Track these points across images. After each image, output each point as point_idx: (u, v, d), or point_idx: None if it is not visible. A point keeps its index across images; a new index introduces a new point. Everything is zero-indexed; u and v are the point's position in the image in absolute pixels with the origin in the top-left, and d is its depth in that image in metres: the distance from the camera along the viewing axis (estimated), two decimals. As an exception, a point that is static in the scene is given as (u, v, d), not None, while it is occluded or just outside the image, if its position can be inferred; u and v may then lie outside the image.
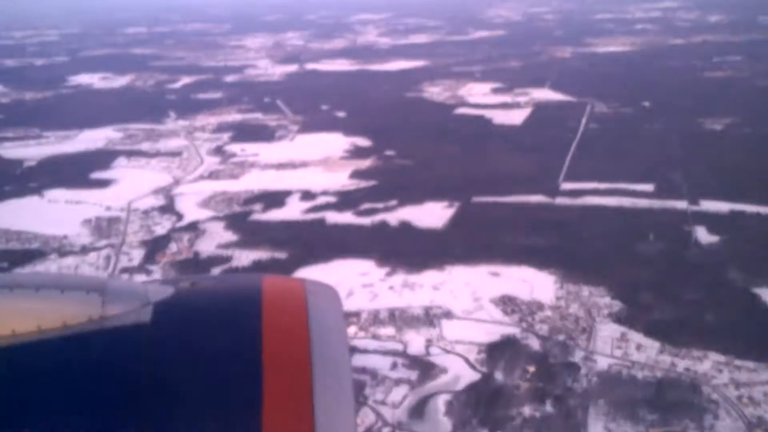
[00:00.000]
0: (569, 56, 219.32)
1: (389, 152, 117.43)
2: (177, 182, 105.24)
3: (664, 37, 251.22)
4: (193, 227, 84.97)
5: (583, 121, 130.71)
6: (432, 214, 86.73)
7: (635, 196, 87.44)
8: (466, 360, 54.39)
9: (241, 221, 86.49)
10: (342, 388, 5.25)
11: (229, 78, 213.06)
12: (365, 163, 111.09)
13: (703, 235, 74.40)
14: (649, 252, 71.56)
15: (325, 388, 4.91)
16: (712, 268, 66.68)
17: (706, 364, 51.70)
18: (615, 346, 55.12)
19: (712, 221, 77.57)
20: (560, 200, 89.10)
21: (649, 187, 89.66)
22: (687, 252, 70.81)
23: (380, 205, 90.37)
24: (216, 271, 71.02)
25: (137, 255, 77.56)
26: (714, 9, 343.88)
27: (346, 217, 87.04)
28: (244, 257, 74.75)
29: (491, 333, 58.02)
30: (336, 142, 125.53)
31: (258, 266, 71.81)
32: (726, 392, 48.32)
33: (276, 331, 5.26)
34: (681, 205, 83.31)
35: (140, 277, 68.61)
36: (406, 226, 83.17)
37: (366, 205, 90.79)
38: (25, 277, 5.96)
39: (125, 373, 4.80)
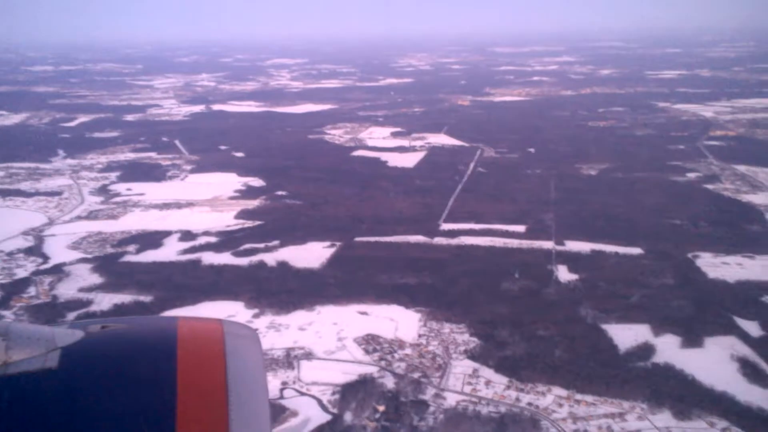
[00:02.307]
0: (468, 104, 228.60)
1: (280, 192, 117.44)
2: (51, 222, 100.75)
3: (557, 88, 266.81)
4: (58, 269, 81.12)
5: (472, 165, 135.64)
6: (312, 254, 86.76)
7: (508, 236, 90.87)
8: (319, 401, 53.91)
9: (110, 263, 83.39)
10: (260, 429, 5.12)
11: (130, 117, 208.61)
12: (254, 203, 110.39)
13: (563, 273, 77.92)
14: (512, 290, 74.14)
15: (242, 429, 4.76)
16: (567, 305, 69.72)
17: (548, 399, 53.49)
18: (466, 382, 56.21)
19: (573, 260, 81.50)
20: (438, 240, 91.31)
21: (521, 228, 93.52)
22: (546, 290, 73.78)
23: (261, 246, 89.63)
24: (71, 316, 67.67)
25: (-9, 299, 73.00)
26: (607, 63, 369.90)
27: (224, 258, 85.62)
28: (107, 301, 71.74)
29: (349, 373, 57.92)
30: (228, 182, 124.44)
31: (119, 310, 68.99)
32: (564, 426, 50.00)
33: (191, 375, 5.06)
34: (548, 245, 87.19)
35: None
36: (283, 267, 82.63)
37: (247, 246, 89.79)
38: None
39: (30, 422, 4.50)
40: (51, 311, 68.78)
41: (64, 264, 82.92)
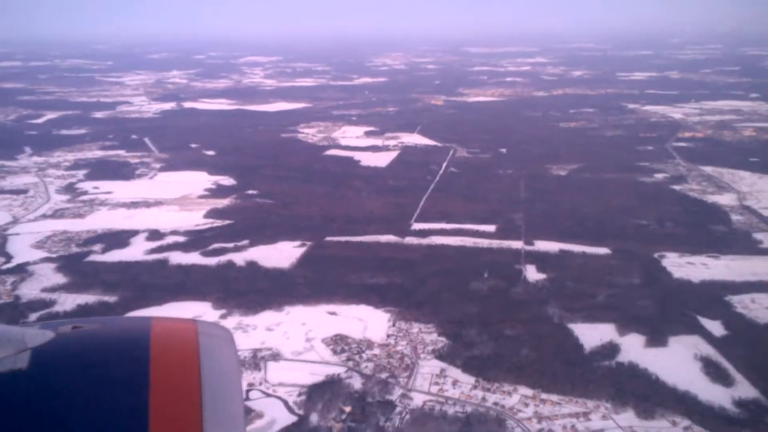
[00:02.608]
0: (442, 104, 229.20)
1: (251, 191, 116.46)
2: (15, 221, 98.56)
3: (529, 89, 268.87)
4: (21, 269, 79.40)
5: (444, 164, 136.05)
6: (282, 254, 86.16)
7: (478, 236, 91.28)
8: (285, 403, 53.49)
9: (75, 263, 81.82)
10: (234, 429, 5.08)
11: (99, 114, 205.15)
12: (224, 202, 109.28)
13: (532, 273, 78.50)
14: (481, 289, 74.44)
15: (217, 430, 4.74)
16: (535, 304, 70.23)
17: (514, 398, 53.80)
18: (433, 382, 56.28)
19: (542, 260, 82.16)
20: (409, 240, 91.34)
21: (491, 228, 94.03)
22: (515, 289, 74.26)
23: (230, 245, 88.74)
24: (34, 317, 66.24)
25: (-50, 300, 71.12)
26: (579, 65, 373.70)
27: (192, 258, 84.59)
28: (70, 301, 70.40)
29: (316, 374, 57.59)
30: (198, 181, 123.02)
31: (83, 311, 67.69)
32: (528, 426, 50.32)
33: (164, 376, 5.00)
34: (517, 244, 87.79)
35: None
36: (252, 267, 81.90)
37: (215, 245, 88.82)
38: None
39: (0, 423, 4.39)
40: (13, 312, 67.29)
41: (27, 263, 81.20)
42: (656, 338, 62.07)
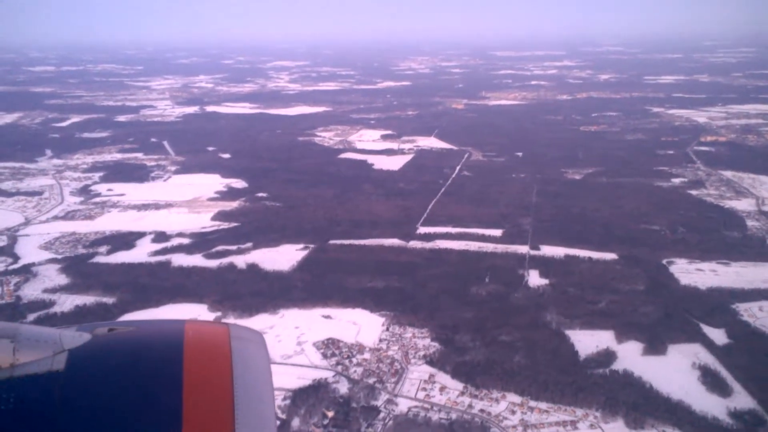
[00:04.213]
0: (463, 108, 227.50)
1: (261, 194, 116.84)
2: (27, 222, 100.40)
3: (553, 92, 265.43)
4: (27, 270, 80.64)
5: (457, 168, 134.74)
6: (284, 257, 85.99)
7: (483, 240, 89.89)
8: (269, 405, 53.03)
9: (80, 264, 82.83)
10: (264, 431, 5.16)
11: (122, 118, 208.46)
12: (232, 205, 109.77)
13: (534, 278, 76.90)
14: (480, 294, 73.16)
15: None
16: (534, 310, 68.69)
17: (501, 405, 52.54)
18: (420, 388, 55.31)
19: (546, 265, 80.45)
20: (413, 244, 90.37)
21: (497, 232, 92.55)
22: (515, 294, 72.76)
23: (234, 248, 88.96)
24: (32, 317, 67.11)
25: (-45, 299, 72.56)
26: (606, 68, 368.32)
27: (194, 260, 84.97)
28: (69, 302, 71.19)
29: (303, 378, 57.07)
30: (211, 183, 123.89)
31: (81, 311, 68.35)
32: (513, 433, 49.12)
33: (197, 379, 5.09)
34: (523, 249, 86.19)
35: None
36: (253, 269, 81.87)
37: (219, 247, 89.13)
38: None
39: (36, 423, 4.53)
40: (12, 312, 68.25)
41: (33, 264, 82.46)
42: (655, 346, 60.14)
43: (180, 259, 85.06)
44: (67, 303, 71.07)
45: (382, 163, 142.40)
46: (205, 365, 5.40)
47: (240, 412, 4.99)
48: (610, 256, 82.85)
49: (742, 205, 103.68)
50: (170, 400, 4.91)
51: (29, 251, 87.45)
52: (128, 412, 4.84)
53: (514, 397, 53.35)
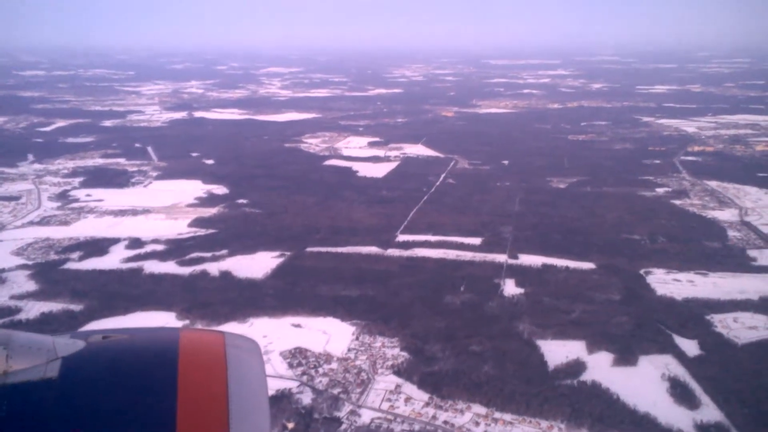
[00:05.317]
0: (453, 115, 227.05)
1: (241, 200, 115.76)
2: (1, 227, 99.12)
3: (545, 101, 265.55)
4: (-5, 275, 79.31)
5: (442, 176, 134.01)
6: (259, 264, 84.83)
7: (462, 248, 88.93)
8: (229, 416, 51.85)
9: (50, 270, 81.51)
10: None
11: (108, 123, 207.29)
12: (211, 211, 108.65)
13: (510, 287, 75.93)
14: (455, 303, 72.13)
15: None
16: (507, 320, 67.68)
17: (466, 416, 51.45)
18: (385, 398, 54.19)
19: (523, 274, 79.54)
20: (391, 251, 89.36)
21: (476, 241, 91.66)
22: (489, 304, 71.73)
23: (208, 255, 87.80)
24: (-6, 322, 65.80)
25: None
26: (599, 77, 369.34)
27: (167, 267, 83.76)
28: (36, 309, 69.84)
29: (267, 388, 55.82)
30: (191, 189, 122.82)
31: (47, 318, 67.08)
32: (476, 445, 48.02)
33: (192, 386, 5.03)
34: (501, 258, 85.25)
35: None
36: (225, 277, 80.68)
37: (194, 254, 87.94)
38: None
39: (30, 431, 4.47)
40: (-25, 318, 66.87)
41: (2, 270, 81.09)
42: (626, 357, 59.21)
43: (152, 266, 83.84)
44: (33, 310, 69.73)
45: (366, 170, 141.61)
46: (200, 373, 5.32)
47: (235, 420, 4.91)
48: (587, 265, 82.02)
49: (725, 215, 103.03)
50: (165, 408, 4.84)
51: (1, 257, 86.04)
52: (122, 420, 4.77)
53: (479, 408, 52.28)
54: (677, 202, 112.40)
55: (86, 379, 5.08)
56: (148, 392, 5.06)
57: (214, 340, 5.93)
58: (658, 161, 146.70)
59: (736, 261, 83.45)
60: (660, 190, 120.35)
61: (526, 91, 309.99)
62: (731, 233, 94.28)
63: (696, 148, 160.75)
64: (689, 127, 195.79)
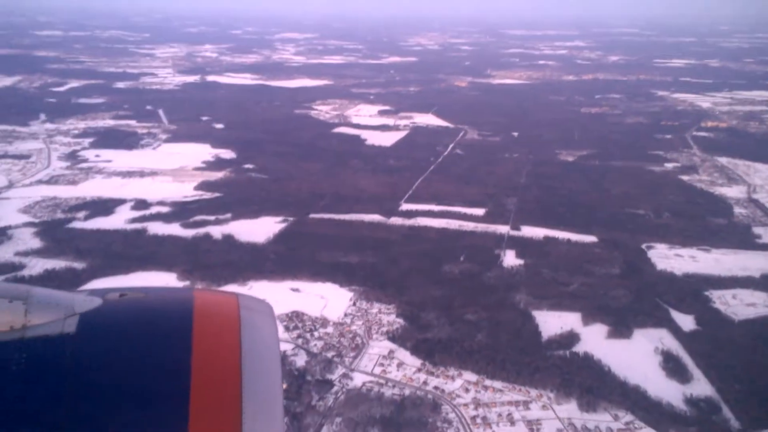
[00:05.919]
0: (466, 85, 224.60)
1: (248, 165, 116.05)
2: (10, 185, 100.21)
3: (559, 73, 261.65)
4: (2, 232, 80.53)
5: (450, 146, 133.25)
6: (262, 229, 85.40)
7: (465, 219, 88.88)
8: (223, 375, 52.83)
9: (56, 229, 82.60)
10: (272, 401, 5.22)
11: (121, 84, 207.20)
12: (217, 175, 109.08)
13: (510, 258, 75.99)
14: (453, 272, 72.38)
15: (255, 401, 4.87)
16: (504, 290, 67.92)
17: (456, 383, 52.07)
18: (378, 363, 54.89)
19: (524, 246, 79.52)
20: (394, 220, 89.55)
21: (480, 212, 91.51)
22: (488, 274, 71.94)
23: (212, 218, 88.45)
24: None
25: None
26: (617, 50, 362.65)
27: (171, 228, 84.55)
28: (39, 266, 70.95)
29: (262, 348, 56.71)
30: (199, 153, 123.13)
31: (50, 275, 68.11)
32: (464, 412, 48.61)
33: (206, 344, 5.19)
34: (503, 229, 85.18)
35: None
36: (228, 240, 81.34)
37: (198, 217, 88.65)
38: None
39: (47, 384, 4.64)
40: (-20, 273, 68.18)
41: (9, 227, 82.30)
42: (620, 330, 59.40)
43: (156, 228, 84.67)
44: (37, 267, 70.90)
45: (375, 138, 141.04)
46: (214, 333, 5.43)
47: (247, 380, 5.01)
48: (589, 238, 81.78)
49: (733, 192, 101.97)
50: (179, 365, 4.97)
51: (7, 214, 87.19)
52: (137, 376, 4.91)
53: (470, 376, 52.86)
54: (685, 177, 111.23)
55: (103, 335, 5.22)
56: (164, 350, 5.17)
57: (227, 301, 6.07)
58: (669, 136, 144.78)
59: (740, 238, 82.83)
60: (669, 165, 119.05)
61: (541, 62, 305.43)
62: (737, 210, 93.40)
63: (709, 124, 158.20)
64: (704, 102, 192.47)
